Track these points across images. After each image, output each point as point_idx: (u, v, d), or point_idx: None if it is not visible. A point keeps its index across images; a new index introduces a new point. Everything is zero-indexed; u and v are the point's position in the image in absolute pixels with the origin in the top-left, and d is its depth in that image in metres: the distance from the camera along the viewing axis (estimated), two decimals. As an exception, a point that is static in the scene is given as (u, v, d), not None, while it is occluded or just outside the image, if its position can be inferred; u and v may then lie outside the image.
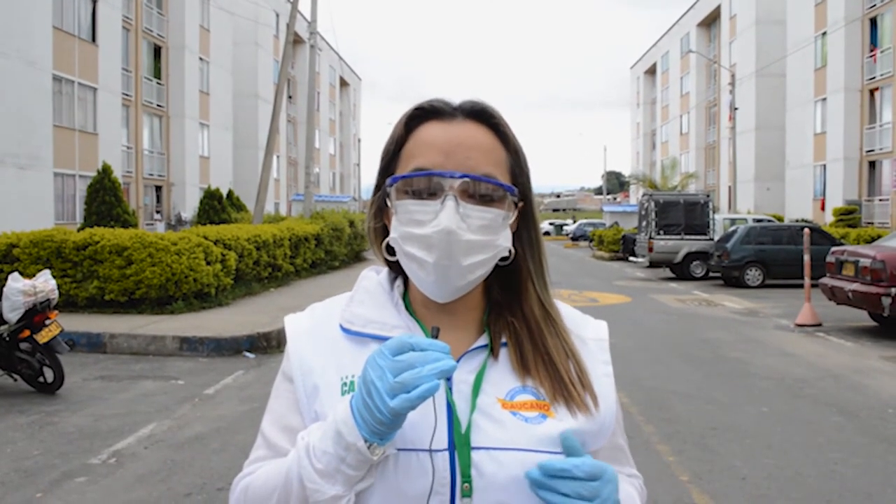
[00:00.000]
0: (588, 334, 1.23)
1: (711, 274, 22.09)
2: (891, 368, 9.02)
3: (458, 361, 1.11)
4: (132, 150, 35.31)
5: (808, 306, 12.58)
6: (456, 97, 1.17)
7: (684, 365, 9.11)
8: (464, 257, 1.08)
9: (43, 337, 7.16)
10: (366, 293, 1.21)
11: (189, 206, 38.31)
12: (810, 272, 13.01)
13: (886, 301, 10.78)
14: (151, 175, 37.71)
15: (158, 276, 11.62)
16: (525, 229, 1.20)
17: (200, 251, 12.18)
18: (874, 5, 33.10)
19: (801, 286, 14.21)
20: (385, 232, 1.19)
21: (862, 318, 12.74)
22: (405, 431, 1.03)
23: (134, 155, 35.48)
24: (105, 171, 20.62)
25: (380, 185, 1.19)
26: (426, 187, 1.10)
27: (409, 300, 1.20)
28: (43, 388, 7.38)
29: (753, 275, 19.83)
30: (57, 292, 7.56)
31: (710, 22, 57.02)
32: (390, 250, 1.16)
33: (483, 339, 1.16)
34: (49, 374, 7.40)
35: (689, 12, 60.15)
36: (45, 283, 7.40)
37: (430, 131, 1.14)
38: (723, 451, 5.79)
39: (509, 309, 1.18)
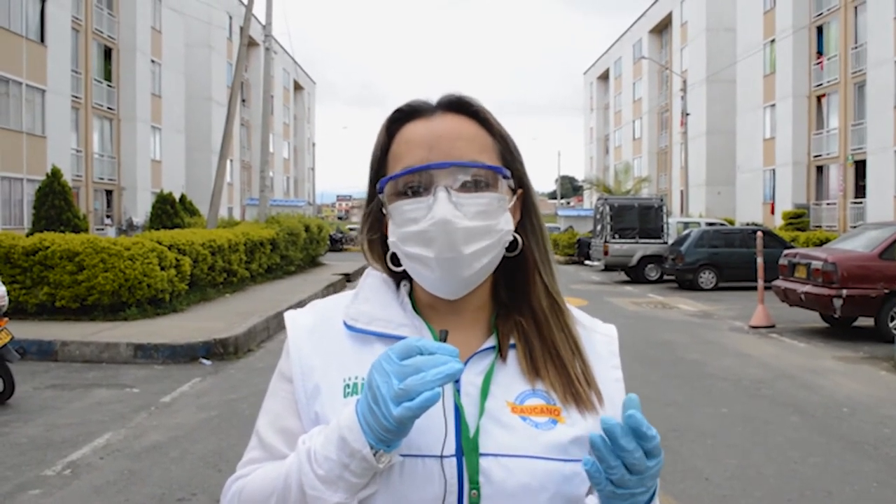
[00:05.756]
0: (598, 340, 1.21)
1: (666, 277, 22.40)
2: (843, 368, 9.21)
3: (466, 363, 1.09)
4: (82, 154, 34.59)
5: (762, 308, 12.80)
6: (434, 95, 1.16)
7: (643, 367, 9.18)
8: (465, 246, 1.06)
9: (-8, 345, 6.95)
10: (371, 290, 1.18)
11: (140, 210, 37.63)
12: (763, 274, 13.24)
13: (838, 302, 11.02)
14: (102, 179, 36.99)
15: (111, 281, 11.37)
16: (527, 217, 1.18)
17: (154, 256, 11.96)
18: (821, 13, 33.91)
19: (754, 288, 14.46)
20: (384, 244, 1.16)
21: (814, 319, 13.01)
22: (411, 436, 0.99)
23: (84, 158, 34.76)
24: (54, 175, 20.12)
25: (372, 196, 1.17)
26: (417, 184, 1.08)
27: (415, 301, 1.17)
28: (-8, 397, 7.16)
29: (707, 277, 20.14)
30: (7, 299, 7.36)
31: (662, 29, 57.87)
32: (395, 262, 1.14)
33: (491, 341, 1.13)
34: (-1, 384, 7.19)
35: (640, 19, 60.97)
36: (-5, 289, 7.19)
37: (412, 130, 1.12)
38: (685, 452, 5.84)
39: (517, 307, 1.16)
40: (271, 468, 1.06)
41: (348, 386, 1.08)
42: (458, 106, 1.14)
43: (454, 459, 1.02)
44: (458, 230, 1.05)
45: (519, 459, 1.03)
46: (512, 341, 1.13)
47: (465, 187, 1.08)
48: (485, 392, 1.07)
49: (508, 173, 1.12)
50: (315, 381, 1.10)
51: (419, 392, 0.91)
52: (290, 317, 1.19)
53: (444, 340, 0.99)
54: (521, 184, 1.16)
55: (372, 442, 0.95)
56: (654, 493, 1.03)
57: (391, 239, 1.11)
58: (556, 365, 1.11)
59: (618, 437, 0.94)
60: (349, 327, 1.14)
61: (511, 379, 1.10)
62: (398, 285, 1.19)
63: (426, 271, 1.08)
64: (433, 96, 1.16)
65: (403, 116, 1.15)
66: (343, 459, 0.96)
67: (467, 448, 1.02)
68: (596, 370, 1.14)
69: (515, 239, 1.13)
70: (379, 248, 1.19)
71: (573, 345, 1.14)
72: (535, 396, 1.09)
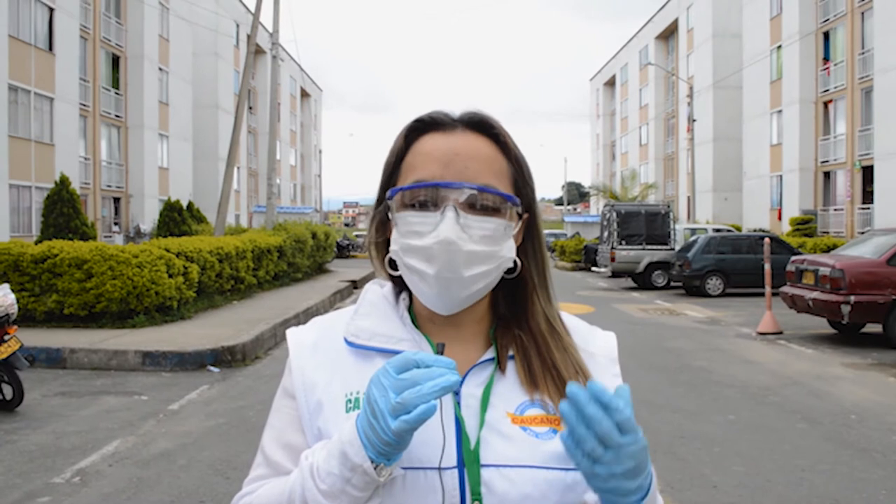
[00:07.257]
0: (596, 348, 1.21)
1: (673, 283, 22.38)
2: (851, 375, 9.18)
3: (465, 375, 1.10)
4: (90, 161, 34.69)
5: (770, 314, 12.76)
6: (456, 109, 1.16)
7: (650, 374, 9.17)
8: (465, 268, 1.06)
9: (2, 353, 6.97)
10: (370, 306, 1.19)
11: (148, 217, 37.72)
12: (771, 281, 13.20)
13: (846, 309, 10.98)
14: (109, 186, 37.08)
15: (119, 289, 11.42)
16: (530, 242, 1.19)
17: (162, 264, 12.00)
18: (827, 20, 33.84)
19: (761, 295, 14.45)
20: (387, 246, 1.17)
21: (822, 325, 12.97)
22: (412, 449, 1.00)
23: (92, 166, 34.86)
24: (63, 183, 20.22)
25: (381, 199, 1.18)
26: (426, 199, 1.09)
27: (415, 314, 1.18)
28: (1, 405, 7.19)
29: (714, 284, 20.10)
30: (16, 307, 7.38)
31: (668, 35, 57.85)
32: (393, 266, 1.14)
33: (490, 353, 1.14)
34: (8, 391, 7.21)
35: (647, 25, 60.96)
36: (4, 297, 7.22)
37: (429, 143, 1.13)
38: (692, 459, 5.83)
39: (516, 322, 1.17)
40: (276, 484, 1.08)
41: (350, 401, 1.09)
42: (479, 125, 1.14)
43: (456, 471, 1.03)
44: (462, 252, 1.06)
45: (520, 470, 1.04)
46: (511, 353, 1.14)
47: (473, 208, 1.08)
48: (485, 404, 1.08)
49: (518, 201, 1.13)
50: (317, 397, 1.11)
51: (416, 405, 0.92)
52: (291, 334, 1.21)
53: (442, 353, 1.00)
54: (528, 208, 1.16)
55: (372, 456, 0.96)
56: (648, 489, 0.99)
57: (394, 247, 1.12)
58: (554, 375, 1.12)
59: (582, 404, 0.93)
60: (350, 343, 1.15)
61: (510, 390, 1.11)
62: (397, 298, 1.20)
63: (423, 285, 1.09)
64: (455, 110, 1.16)
65: (423, 126, 1.15)
66: (345, 474, 0.97)
67: (468, 459, 1.04)
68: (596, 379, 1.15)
69: (515, 263, 1.14)
70: (384, 250, 1.19)
71: (575, 364, 1.14)
72: (534, 407, 1.10)
